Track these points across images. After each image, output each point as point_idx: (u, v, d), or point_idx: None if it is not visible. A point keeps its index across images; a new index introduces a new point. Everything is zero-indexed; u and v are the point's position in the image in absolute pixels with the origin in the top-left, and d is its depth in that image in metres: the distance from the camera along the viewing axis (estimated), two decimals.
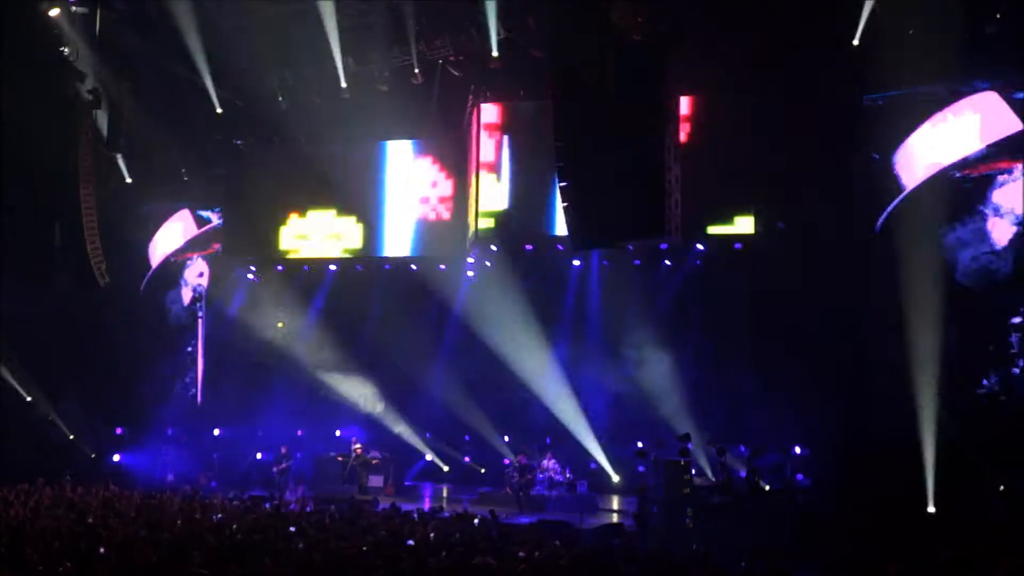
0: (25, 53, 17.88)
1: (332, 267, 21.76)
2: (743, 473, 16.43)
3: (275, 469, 19.72)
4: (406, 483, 20.72)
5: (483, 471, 20.76)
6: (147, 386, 23.13)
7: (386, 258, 21.13)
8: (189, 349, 23.51)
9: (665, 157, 13.17)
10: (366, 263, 21.57)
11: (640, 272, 19.54)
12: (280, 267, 22.14)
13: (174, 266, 23.80)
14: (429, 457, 21.31)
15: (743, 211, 17.73)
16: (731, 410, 18.04)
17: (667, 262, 19.43)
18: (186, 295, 23.66)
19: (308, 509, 14.85)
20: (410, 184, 20.66)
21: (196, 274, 23.73)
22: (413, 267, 21.10)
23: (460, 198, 20.26)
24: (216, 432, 22.40)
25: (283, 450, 19.97)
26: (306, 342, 21.99)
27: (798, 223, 17.33)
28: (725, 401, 18.21)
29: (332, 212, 21.11)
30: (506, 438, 20.30)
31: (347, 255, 21.26)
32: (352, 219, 21.02)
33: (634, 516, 15.43)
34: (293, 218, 21.36)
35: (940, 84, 16.30)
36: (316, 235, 21.26)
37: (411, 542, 10.49)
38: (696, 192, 15.48)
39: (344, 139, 20.89)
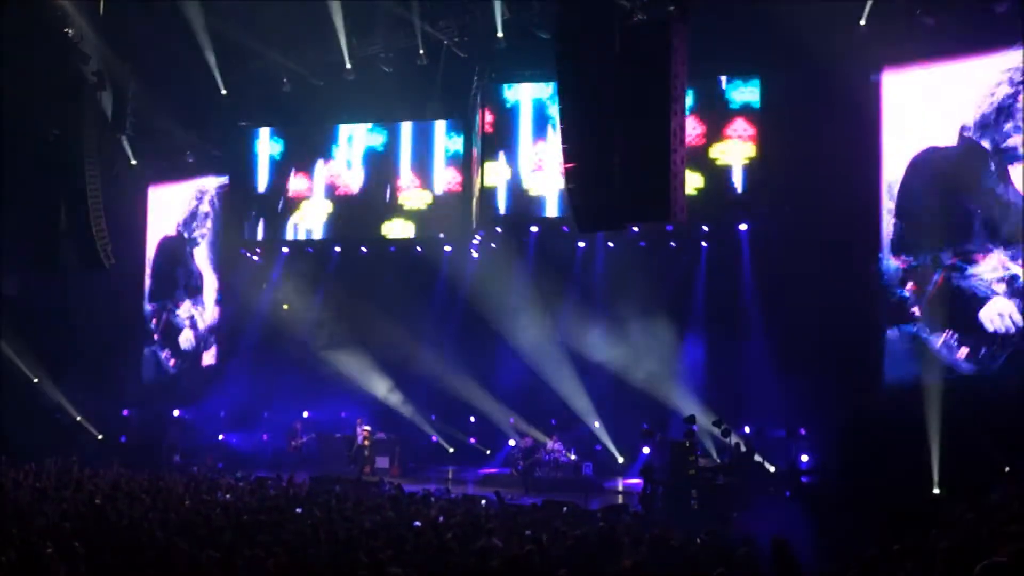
0: (29, 35, 17.85)
1: (336, 248, 21.77)
2: (748, 454, 16.43)
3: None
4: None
5: (488, 452, 20.83)
6: (149, 369, 23.20)
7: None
8: (190, 331, 23.57)
9: (670, 139, 13.08)
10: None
11: (645, 253, 19.51)
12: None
13: (177, 248, 23.85)
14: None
15: None
16: (736, 391, 18.04)
17: (672, 244, 19.44)
18: (188, 278, 23.74)
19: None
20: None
21: (198, 256, 23.78)
22: (418, 248, 21.09)
23: (465, 180, 20.25)
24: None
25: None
26: (311, 323, 22.00)
27: (804, 206, 17.28)
28: (730, 382, 18.20)
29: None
30: (511, 419, 20.33)
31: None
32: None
33: (639, 497, 15.48)
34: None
35: None
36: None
37: (417, 523, 10.53)
38: None
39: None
